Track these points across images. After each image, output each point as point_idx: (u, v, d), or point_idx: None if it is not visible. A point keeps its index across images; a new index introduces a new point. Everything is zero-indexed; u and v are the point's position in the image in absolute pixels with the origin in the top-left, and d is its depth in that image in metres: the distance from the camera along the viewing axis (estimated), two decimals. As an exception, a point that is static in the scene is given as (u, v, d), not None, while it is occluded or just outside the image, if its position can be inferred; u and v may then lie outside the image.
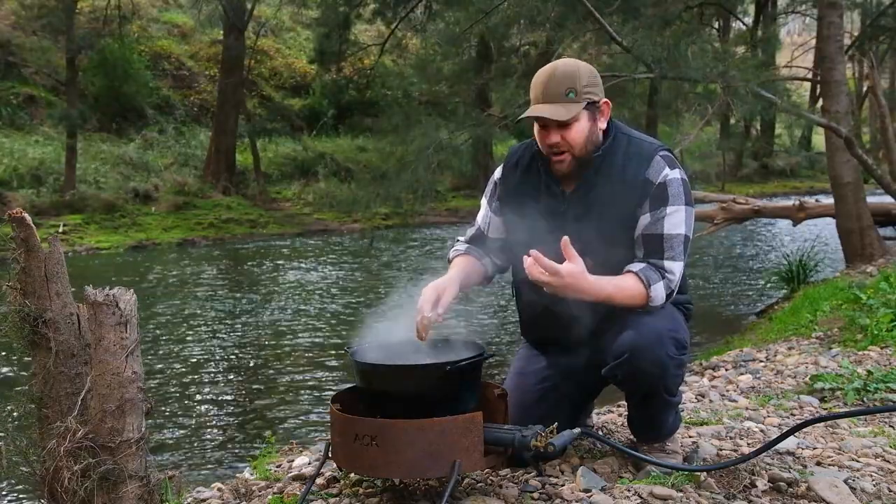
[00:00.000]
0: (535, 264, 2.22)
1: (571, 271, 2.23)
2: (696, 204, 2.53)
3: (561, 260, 2.29)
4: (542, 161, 2.51)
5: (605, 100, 2.44)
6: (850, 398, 3.58)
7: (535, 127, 2.45)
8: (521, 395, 2.55)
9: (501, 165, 2.66)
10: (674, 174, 2.39)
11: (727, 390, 3.99)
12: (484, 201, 2.67)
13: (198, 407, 6.07)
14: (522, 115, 2.44)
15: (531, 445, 2.18)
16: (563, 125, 2.36)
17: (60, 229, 15.14)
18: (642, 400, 2.44)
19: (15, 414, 2.13)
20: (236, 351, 7.81)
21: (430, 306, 2.33)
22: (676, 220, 2.36)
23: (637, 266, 2.36)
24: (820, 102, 12.92)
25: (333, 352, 7.60)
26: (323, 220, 18.80)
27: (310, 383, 6.63)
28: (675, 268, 2.37)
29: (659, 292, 2.33)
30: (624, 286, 2.33)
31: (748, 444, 2.86)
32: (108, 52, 19.99)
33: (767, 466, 2.55)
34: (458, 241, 2.73)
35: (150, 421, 2.13)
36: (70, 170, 16.93)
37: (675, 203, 2.36)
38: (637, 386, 2.39)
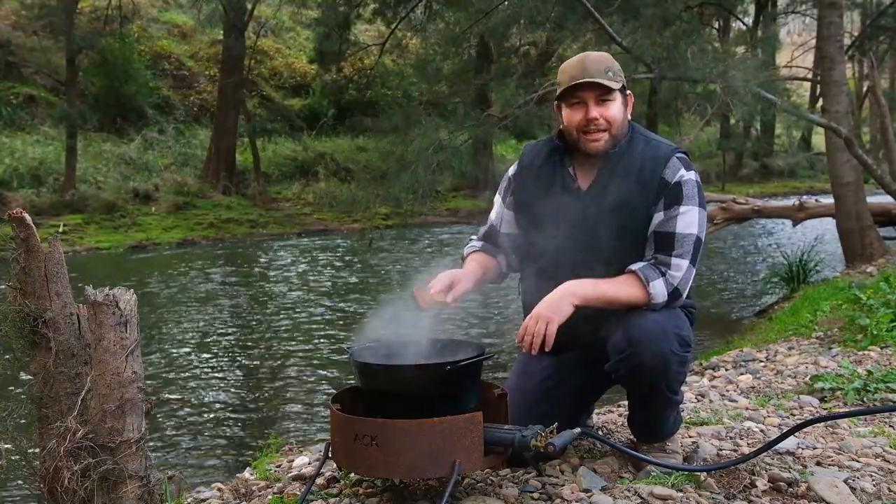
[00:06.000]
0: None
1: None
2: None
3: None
4: (560, 157, 2.52)
5: (630, 92, 2.49)
6: (850, 398, 3.58)
7: (566, 110, 2.45)
8: (521, 394, 2.55)
9: (516, 162, 2.68)
10: (689, 175, 2.41)
11: (727, 390, 3.99)
12: (498, 198, 2.69)
13: (198, 407, 6.07)
14: (576, 81, 2.37)
15: (531, 445, 2.17)
16: (604, 101, 2.39)
17: (60, 229, 15.13)
18: (644, 397, 2.44)
19: (15, 414, 2.12)
20: (236, 351, 7.81)
21: (441, 288, 2.37)
22: (689, 220, 2.37)
23: (637, 265, 2.36)
24: (820, 102, 12.92)
25: (333, 351, 7.60)
26: (323, 220, 18.79)
27: (310, 383, 6.63)
28: (682, 265, 2.36)
29: (659, 289, 2.33)
30: (622, 285, 2.34)
31: (748, 444, 2.85)
32: (108, 52, 19.96)
33: (767, 466, 2.55)
34: (471, 239, 2.76)
35: (149, 420, 2.13)
36: (70, 170, 16.92)
37: (690, 203, 2.38)
38: (640, 381, 2.39)
